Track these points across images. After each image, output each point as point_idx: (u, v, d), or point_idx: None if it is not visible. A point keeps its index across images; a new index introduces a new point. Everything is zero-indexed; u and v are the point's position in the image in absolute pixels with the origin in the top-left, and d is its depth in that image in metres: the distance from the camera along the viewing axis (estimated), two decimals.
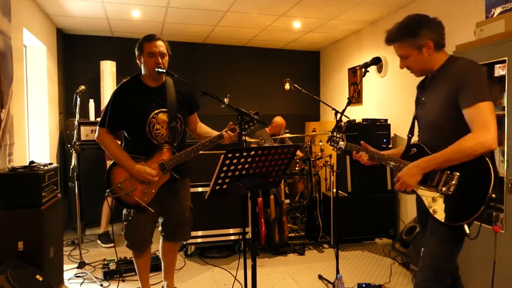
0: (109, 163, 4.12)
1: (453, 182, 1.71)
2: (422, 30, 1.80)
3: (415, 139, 1.99)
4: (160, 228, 2.72)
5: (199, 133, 2.72)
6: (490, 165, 1.65)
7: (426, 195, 1.80)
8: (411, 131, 2.00)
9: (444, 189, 1.73)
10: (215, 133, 2.53)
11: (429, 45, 1.80)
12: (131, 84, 2.49)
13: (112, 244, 3.76)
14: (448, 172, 1.73)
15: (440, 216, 1.73)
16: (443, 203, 1.73)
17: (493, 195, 1.61)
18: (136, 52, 2.47)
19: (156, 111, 2.44)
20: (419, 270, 1.85)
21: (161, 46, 2.43)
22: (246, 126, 2.28)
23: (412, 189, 1.82)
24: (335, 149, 2.26)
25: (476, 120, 1.65)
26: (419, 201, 1.88)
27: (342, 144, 2.22)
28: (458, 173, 1.70)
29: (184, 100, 2.57)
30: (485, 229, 2.33)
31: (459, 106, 1.70)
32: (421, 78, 2.00)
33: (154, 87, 2.48)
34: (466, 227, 1.68)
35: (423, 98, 1.93)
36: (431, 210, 1.76)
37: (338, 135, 2.25)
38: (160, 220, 2.68)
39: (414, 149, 1.89)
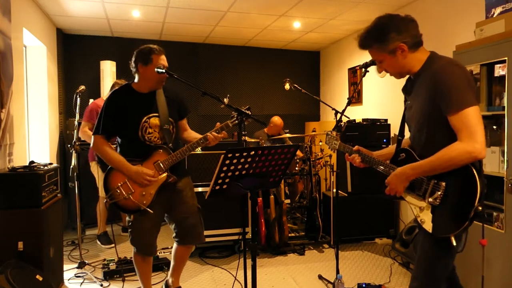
0: (92, 164, 4.14)
1: (439, 193, 1.64)
2: (389, 35, 1.70)
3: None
4: (173, 235, 2.70)
5: (186, 138, 2.71)
6: (476, 176, 1.55)
7: (414, 204, 1.75)
8: (401, 133, 1.93)
9: (430, 199, 1.67)
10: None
11: (402, 47, 1.71)
12: (123, 92, 2.51)
13: (112, 245, 3.76)
14: (435, 181, 1.66)
15: (428, 226, 1.67)
16: (430, 213, 1.67)
17: (480, 208, 1.52)
18: (139, 61, 2.42)
19: (148, 116, 2.46)
20: (413, 274, 1.82)
21: (165, 59, 2.47)
22: (235, 119, 2.31)
23: (401, 195, 1.78)
24: (331, 148, 2.25)
25: (462, 128, 1.56)
26: None
27: (336, 144, 2.21)
28: (444, 183, 1.63)
29: (174, 106, 2.59)
30: (486, 230, 2.34)
31: (440, 112, 1.61)
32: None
33: (145, 93, 2.50)
34: (453, 239, 1.61)
35: (408, 102, 1.86)
36: (419, 220, 1.71)
37: (334, 135, 2.24)
38: (171, 225, 2.67)
39: (403, 154, 1.85)
